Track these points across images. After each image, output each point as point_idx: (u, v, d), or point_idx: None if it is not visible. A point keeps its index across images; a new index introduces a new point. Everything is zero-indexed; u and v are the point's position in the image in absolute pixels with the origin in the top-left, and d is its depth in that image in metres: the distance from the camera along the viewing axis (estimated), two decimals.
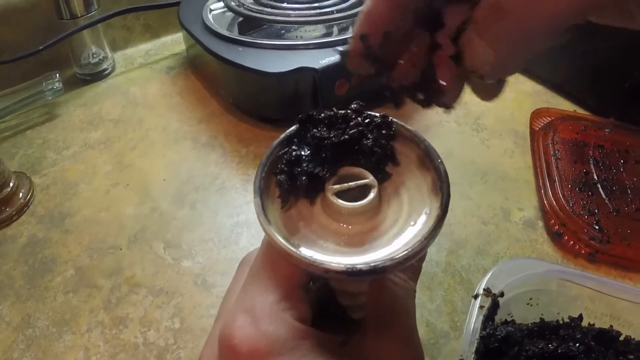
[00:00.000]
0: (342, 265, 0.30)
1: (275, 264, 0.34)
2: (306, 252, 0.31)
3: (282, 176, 0.34)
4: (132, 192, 0.70)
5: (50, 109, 0.85)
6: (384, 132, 0.36)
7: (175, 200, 0.69)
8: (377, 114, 0.37)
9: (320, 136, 0.35)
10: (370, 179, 0.35)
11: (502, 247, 0.63)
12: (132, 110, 0.85)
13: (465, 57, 0.29)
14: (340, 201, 0.33)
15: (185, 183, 0.72)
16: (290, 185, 0.34)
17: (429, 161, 0.36)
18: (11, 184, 0.68)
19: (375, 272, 0.30)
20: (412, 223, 0.34)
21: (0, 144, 0.79)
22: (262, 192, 0.33)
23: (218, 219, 0.67)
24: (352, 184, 0.34)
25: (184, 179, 0.72)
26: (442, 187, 0.34)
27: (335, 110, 0.36)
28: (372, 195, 0.34)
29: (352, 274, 0.29)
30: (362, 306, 0.37)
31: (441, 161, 0.35)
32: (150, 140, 0.79)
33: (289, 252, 0.30)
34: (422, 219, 0.34)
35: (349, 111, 0.36)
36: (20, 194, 0.69)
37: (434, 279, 0.59)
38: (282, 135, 0.36)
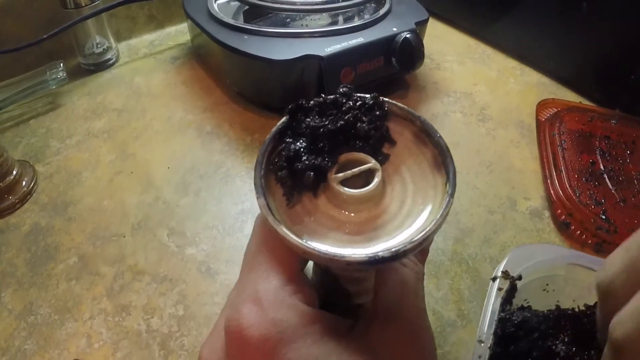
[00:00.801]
0: (364, 256, 0.29)
1: (273, 249, 0.33)
2: (321, 247, 0.30)
3: (283, 172, 0.33)
4: (135, 180, 0.70)
5: (54, 99, 0.84)
6: (377, 113, 0.36)
7: (179, 189, 0.69)
8: (367, 95, 0.36)
9: (315, 125, 0.34)
10: (372, 162, 0.34)
11: (509, 236, 0.63)
12: (136, 100, 0.84)
13: None
14: (348, 189, 0.33)
15: (189, 171, 0.71)
16: (294, 181, 0.33)
17: (427, 137, 0.35)
18: (14, 172, 0.67)
19: (397, 257, 0.29)
20: (421, 201, 0.33)
21: (4, 133, 0.78)
22: (265, 191, 0.32)
23: (222, 206, 0.66)
24: (355, 170, 0.33)
25: (188, 167, 0.72)
26: (444, 162, 0.34)
27: (324, 96, 0.35)
28: (377, 179, 0.33)
29: (375, 262, 0.29)
30: (367, 290, 0.36)
31: (440, 136, 0.35)
32: (154, 130, 0.78)
33: (307, 250, 0.29)
34: (430, 195, 0.33)
35: (337, 95, 0.36)
36: (24, 182, 0.68)
37: (441, 267, 0.59)
38: (274, 129, 0.35)
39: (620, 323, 0.27)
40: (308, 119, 0.34)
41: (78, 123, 0.80)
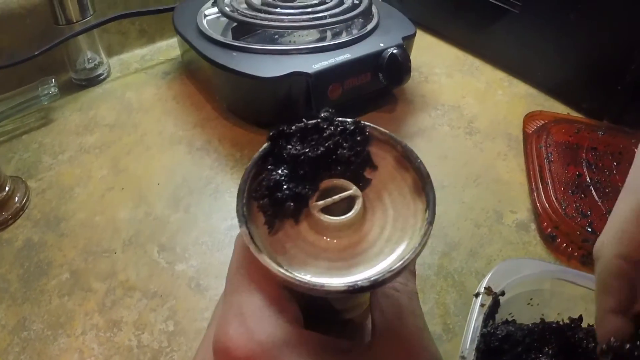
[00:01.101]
0: (343, 285, 0.29)
1: (255, 267, 0.33)
2: (301, 276, 0.30)
3: (265, 201, 0.33)
4: (127, 196, 0.71)
5: (46, 114, 0.85)
6: (358, 138, 0.35)
7: (170, 204, 0.69)
8: (349, 120, 0.36)
9: (295, 153, 0.34)
10: (353, 189, 0.34)
11: (495, 249, 0.63)
12: (128, 115, 0.85)
13: None
14: (328, 217, 0.33)
15: (179, 187, 0.72)
16: (275, 210, 0.33)
17: (408, 162, 0.35)
18: (7, 188, 0.68)
19: (376, 286, 0.30)
20: (400, 227, 0.34)
21: None
22: (247, 219, 0.32)
23: (212, 222, 0.67)
24: (336, 197, 0.33)
25: (178, 182, 0.72)
26: (424, 189, 0.34)
27: (305, 121, 0.35)
28: (357, 206, 0.33)
29: (354, 291, 0.29)
30: (355, 307, 0.37)
31: (421, 161, 0.35)
32: (145, 145, 0.79)
33: (286, 278, 0.30)
34: (410, 223, 0.34)
35: (319, 120, 0.35)
36: (16, 198, 0.69)
37: (427, 281, 0.60)
38: (256, 156, 0.34)
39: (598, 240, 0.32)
40: (289, 146, 0.34)
41: (70, 138, 0.80)
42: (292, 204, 0.33)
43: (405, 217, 0.34)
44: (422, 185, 0.34)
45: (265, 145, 0.35)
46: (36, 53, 0.83)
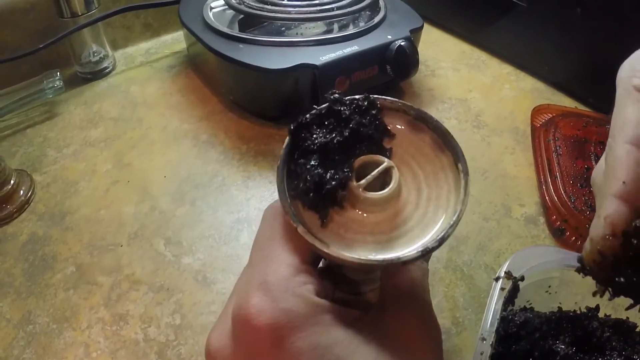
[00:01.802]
0: (416, 252, 0.31)
1: (285, 240, 0.34)
2: (374, 255, 0.32)
3: (311, 196, 0.33)
4: (132, 190, 0.70)
5: (51, 108, 0.85)
6: (373, 112, 0.36)
7: (175, 198, 0.69)
8: (358, 97, 0.36)
9: (325, 141, 0.34)
10: (386, 161, 0.35)
11: (504, 243, 0.63)
12: (132, 109, 0.85)
13: None
14: (375, 193, 0.33)
15: (185, 181, 0.71)
16: (324, 202, 0.33)
17: (423, 123, 0.37)
18: (12, 182, 0.68)
19: (443, 241, 0.32)
20: (434, 184, 0.35)
21: (1, 143, 0.79)
22: (300, 218, 0.33)
23: (218, 215, 0.67)
24: (374, 172, 0.34)
25: (183, 176, 0.72)
26: (448, 143, 0.35)
27: (316, 107, 0.36)
28: (396, 175, 0.34)
29: (427, 253, 0.31)
30: (373, 280, 0.37)
31: (437, 120, 0.36)
32: (150, 139, 0.79)
33: (360, 262, 0.31)
34: (441, 177, 0.35)
35: (330, 104, 0.36)
36: (21, 192, 0.69)
37: (435, 275, 0.59)
38: (282, 153, 0.35)
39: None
40: (314, 135, 0.35)
41: (75, 132, 0.80)
42: (343, 191, 0.33)
43: (435, 174, 0.35)
44: (444, 141, 0.36)
45: (287, 139, 0.35)
46: (41, 46, 0.82)
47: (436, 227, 0.33)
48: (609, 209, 0.31)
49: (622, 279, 0.32)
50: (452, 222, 0.32)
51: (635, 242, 0.30)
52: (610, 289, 0.34)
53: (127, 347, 0.53)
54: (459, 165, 0.34)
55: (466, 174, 0.34)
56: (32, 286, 0.59)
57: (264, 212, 0.37)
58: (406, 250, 0.32)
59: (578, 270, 0.35)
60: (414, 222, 0.33)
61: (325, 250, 0.31)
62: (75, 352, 0.53)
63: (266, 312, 0.30)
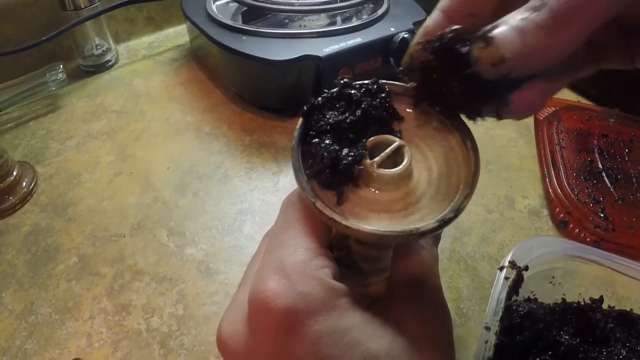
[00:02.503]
0: (434, 222, 0.31)
1: (302, 226, 0.34)
2: (398, 226, 0.32)
3: (327, 174, 0.34)
4: (134, 181, 0.70)
5: (54, 100, 0.85)
6: (383, 95, 0.37)
7: (178, 189, 0.69)
8: (367, 82, 0.37)
9: (339, 120, 0.35)
10: (398, 140, 0.35)
11: (507, 234, 0.63)
12: (135, 102, 0.84)
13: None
14: (389, 170, 0.34)
15: (187, 172, 0.71)
16: (339, 179, 0.34)
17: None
18: (14, 173, 0.68)
19: (459, 213, 0.32)
20: (444, 162, 0.36)
21: (4, 135, 0.79)
22: (316, 194, 0.33)
23: (221, 206, 0.67)
24: (388, 150, 0.34)
25: (186, 168, 0.72)
26: (455, 123, 0.36)
27: (327, 90, 0.36)
28: (408, 153, 0.34)
29: (445, 224, 0.31)
30: (382, 270, 0.37)
31: None
32: (152, 131, 0.79)
33: (380, 234, 0.31)
34: (451, 158, 0.36)
35: (340, 88, 0.36)
36: (24, 183, 0.69)
37: (439, 266, 0.59)
38: (296, 133, 0.35)
39: None
40: (327, 116, 0.35)
41: (77, 124, 0.80)
42: (359, 166, 0.34)
43: (444, 155, 0.36)
44: (451, 122, 0.36)
45: (300, 121, 0.36)
46: (43, 39, 0.82)
47: (450, 202, 0.33)
48: (429, 19, 0.35)
49: (419, 84, 0.35)
50: (466, 194, 0.32)
51: (436, 45, 0.32)
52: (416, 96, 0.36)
53: (130, 338, 0.53)
54: (467, 143, 0.35)
55: (476, 150, 0.34)
56: (34, 277, 0.59)
57: (281, 205, 0.37)
58: (423, 223, 0.32)
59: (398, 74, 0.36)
60: (427, 199, 0.34)
61: (344, 223, 0.31)
62: (78, 342, 0.53)
63: (283, 296, 0.30)
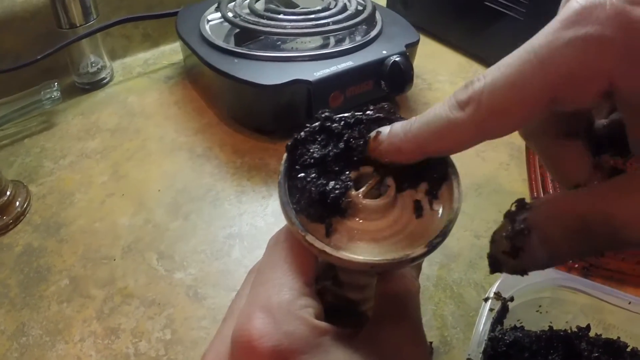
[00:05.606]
0: (422, 249, 0.32)
1: (288, 264, 0.34)
2: (389, 255, 0.32)
3: (316, 208, 0.34)
4: (127, 202, 0.71)
5: (48, 118, 0.85)
6: (361, 126, 0.37)
7: (170, 211, 0.70)
8: (346, 114, 0.37)
9: (323, 153, 0.35)
10: (381, 170, 0.35)
11: None
12: (130, 120, 0.85)
13: None
14: (375, 200, 0.34)
15: (180, 194, 0.72)
16: (328, 213, 0.34)
17: None
18: (8, 193, 0.68)
19: (446, 235, 0.33)
20: (424, 189, 0.36)
21: (0, 152, 0.79)
22: (306, 229, 0.33)
23: (211, 230, 0.67)
24: (371, 181, 0.35)
25: (178, 189, 0.73)
26: None
27: (308, 125, 0.37)
28: (392, 183, 0.35)
29: (432, 249, 0.32)
30: (367, 299, 0.38)
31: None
32: (146, 150, 0.79)
33: (372, 262, 0.31)
34: (434, 177, 0.36)
35: (321, 122, 0.37)
36: (17, 203, 0.69)
37: (425, 293, 0.59)
38: (282, 168, 0.36)
39: None
40: (311, 150, 0.36)
41: (72, 143, 0.81)
42: (347, 199, 0.34)
43: (429, 176, 0.36)
44: None
45: (285, 156, 0.36)
46: (39, 57, 0.83)
47: (436, 227, 0.34)
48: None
49: None
50: (450, 218, 0.33)
51: None
52: None
53: None
54: (449, 169, 0.35)
55: (456, 175, 0.35)
56: (26, 298, 0.60)
57: (267, 243, 0.37)
58: (412, 250, 0.32)
59: None
60: (414, 225, 0.34)
61: (336, 255, 0.32)
62: None
63: (269, 335, 0.30)
